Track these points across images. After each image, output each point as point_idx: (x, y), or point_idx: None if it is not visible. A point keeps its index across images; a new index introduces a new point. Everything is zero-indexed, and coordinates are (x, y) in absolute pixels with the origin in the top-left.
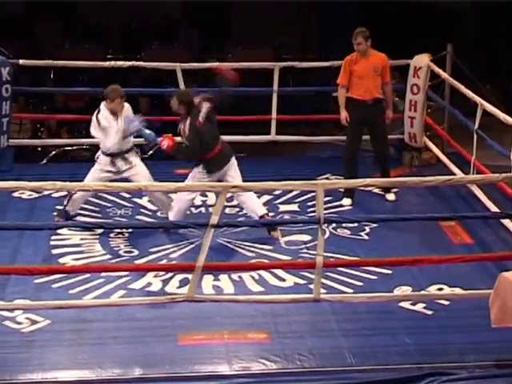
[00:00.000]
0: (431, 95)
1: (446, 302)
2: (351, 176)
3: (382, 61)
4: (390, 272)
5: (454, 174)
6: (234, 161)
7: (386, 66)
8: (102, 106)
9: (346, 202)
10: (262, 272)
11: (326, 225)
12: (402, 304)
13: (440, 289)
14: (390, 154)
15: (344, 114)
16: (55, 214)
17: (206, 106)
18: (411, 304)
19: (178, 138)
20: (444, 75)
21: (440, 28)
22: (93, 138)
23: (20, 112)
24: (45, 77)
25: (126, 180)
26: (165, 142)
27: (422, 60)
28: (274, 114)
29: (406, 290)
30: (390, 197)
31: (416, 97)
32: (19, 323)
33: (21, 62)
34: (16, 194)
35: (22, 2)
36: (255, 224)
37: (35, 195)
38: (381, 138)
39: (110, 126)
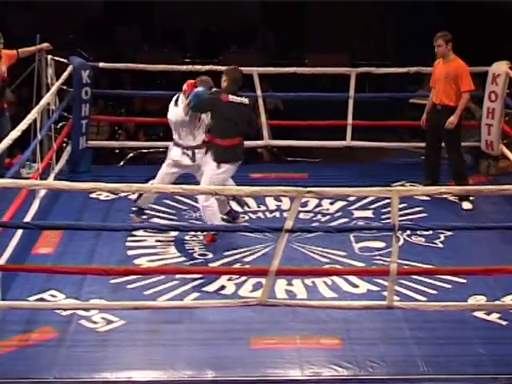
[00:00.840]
0: (509, 103)
1: None
2: (428, 183)
3: (455, 69)
4: (464, 281)
5: None
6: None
7: (459, 75)
8: None
9: (466, 205)
10: (334, 278)
11: (400, 232)
12: (476, 314)
13: None
14: (460, 162)
15: (423, 117)
16: (131, 215)
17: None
18: (485, 314)
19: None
20: None
21: None
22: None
23: (99, 114)
24: (124, 80)
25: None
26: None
27: (501, 67)
28: (349, 120)
29: (480, 299)
30: (467, 205)
31: (494, 104)
32: (95, 322)
33: (101, 64)
34: (93, 195)
35: (101, 6)
36: (330, 230)
37: (112, 196)
38: (447, 146)
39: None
